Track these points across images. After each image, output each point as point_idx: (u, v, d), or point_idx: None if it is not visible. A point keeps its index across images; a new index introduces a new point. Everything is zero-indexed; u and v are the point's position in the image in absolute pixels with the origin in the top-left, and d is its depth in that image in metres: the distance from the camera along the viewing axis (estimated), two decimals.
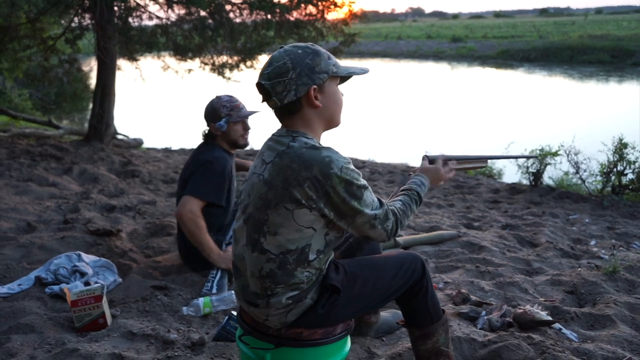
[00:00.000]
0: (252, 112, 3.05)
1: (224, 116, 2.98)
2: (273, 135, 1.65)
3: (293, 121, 1.60)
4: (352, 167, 1.53)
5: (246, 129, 3.06)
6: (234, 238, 1.68)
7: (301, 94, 1.55)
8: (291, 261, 1.53)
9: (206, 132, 3.09)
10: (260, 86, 1.58)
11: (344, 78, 1.70)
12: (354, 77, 1.71)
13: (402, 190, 1.80)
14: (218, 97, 3.05)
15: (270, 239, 1.54)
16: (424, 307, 1.82)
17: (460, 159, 2.07)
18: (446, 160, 2.01)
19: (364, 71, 1.71)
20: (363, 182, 1.55)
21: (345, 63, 1.74)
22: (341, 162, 1.51)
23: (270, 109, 1.63)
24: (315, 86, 1.56)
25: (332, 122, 1.66)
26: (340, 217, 1.55)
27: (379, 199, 1.61)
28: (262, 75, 1.57)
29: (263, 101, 1.62)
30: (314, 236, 1.54)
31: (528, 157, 2.51)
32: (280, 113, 1.61)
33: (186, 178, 2.96)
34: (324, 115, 1.62)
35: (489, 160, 2.17)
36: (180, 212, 2.81)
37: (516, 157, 2.63)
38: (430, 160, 2.01)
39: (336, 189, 1.50)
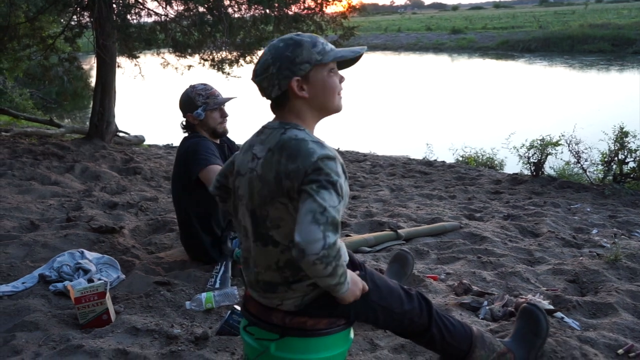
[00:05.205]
0: (228, 99, 3.03)
1: (200, 105, 2.96)
2: (265, 127, 1.64)
3: (284, 113, 1.60)
4: (336, 163, 1.46)
5: (224, 116, 3.03)
6: (242, 233, 1.67)
7: (285, 87, 1.54)
8: None
9: (184, 123, 3.08)
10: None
11: (345, 62, 1.66)
12: (358, 64, 1.71)
13: None
14: (192, 87, 3.02)
15: (276, 232, 1.54)
16: (449, 347, 1.86)
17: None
18: None
19: (354, 53, 1.62)
20: (337, 180, 1.43)
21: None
22: (325, 153, 1.45)
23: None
24: (297, 78, 1.54)
25: (326, 109, 1.62)
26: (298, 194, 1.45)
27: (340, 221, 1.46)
28: (253, 72, 1.61)
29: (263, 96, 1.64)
30: None
31: None
32: (272, 106, 1.63)
33: (180, 168, 2.96)
34: (313, 104, 1.58)
35: None
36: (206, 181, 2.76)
37: None
38: None
39: (308, 173, 1.44)
